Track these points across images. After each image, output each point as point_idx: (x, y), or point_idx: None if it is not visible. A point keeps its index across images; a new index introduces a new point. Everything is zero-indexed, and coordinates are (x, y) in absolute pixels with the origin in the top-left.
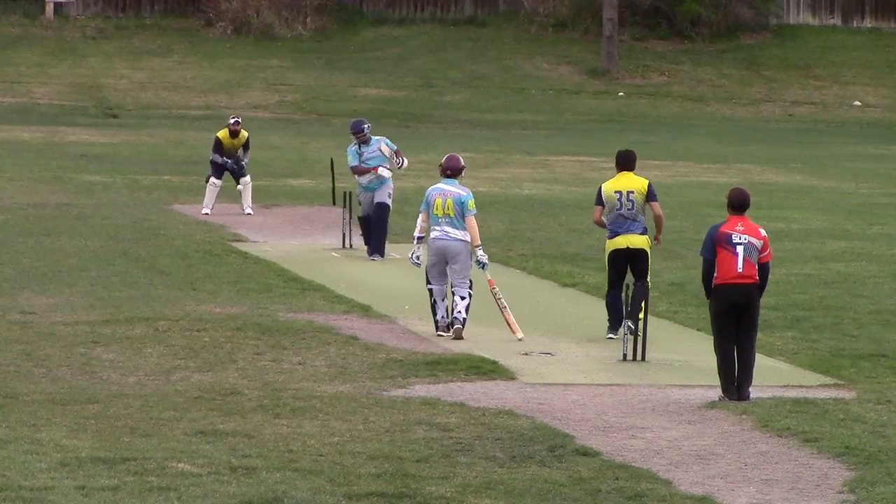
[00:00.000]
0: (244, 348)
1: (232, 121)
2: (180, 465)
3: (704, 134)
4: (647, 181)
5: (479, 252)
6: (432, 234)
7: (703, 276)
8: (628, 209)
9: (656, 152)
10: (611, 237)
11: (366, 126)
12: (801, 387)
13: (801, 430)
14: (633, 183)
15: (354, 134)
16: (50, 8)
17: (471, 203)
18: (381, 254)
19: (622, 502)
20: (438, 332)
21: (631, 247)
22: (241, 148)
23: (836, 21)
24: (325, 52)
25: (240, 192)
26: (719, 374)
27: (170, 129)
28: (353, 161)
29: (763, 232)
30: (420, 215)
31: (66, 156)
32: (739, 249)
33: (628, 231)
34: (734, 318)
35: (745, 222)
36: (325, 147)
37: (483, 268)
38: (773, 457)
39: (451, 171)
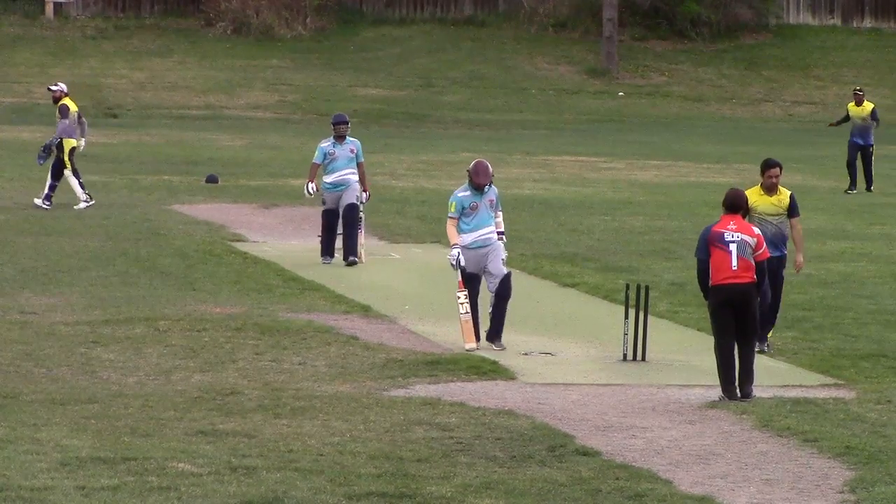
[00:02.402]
0: (244, 348)
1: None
2: (180, 465)
3: (704, 134)
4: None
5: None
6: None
7: (698, 278)
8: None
9: (656, 152)
10: None
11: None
12: (801, 387)
13: (802, 430)
14: None
15: (336, 126)
16: (50, 8)
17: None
18: (355, 254)
19: (622, 502)
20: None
21: None
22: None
23: (836, 21)
24: (324, 52)
25: None
26: (719, 373)
27: (170, 129)
28: (317, 159)
29: (756, 230)
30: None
31: None
32: (732, 247)
33: None
34: (732, 317)
35: (737, 221)
36: None
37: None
38: (773, 457)
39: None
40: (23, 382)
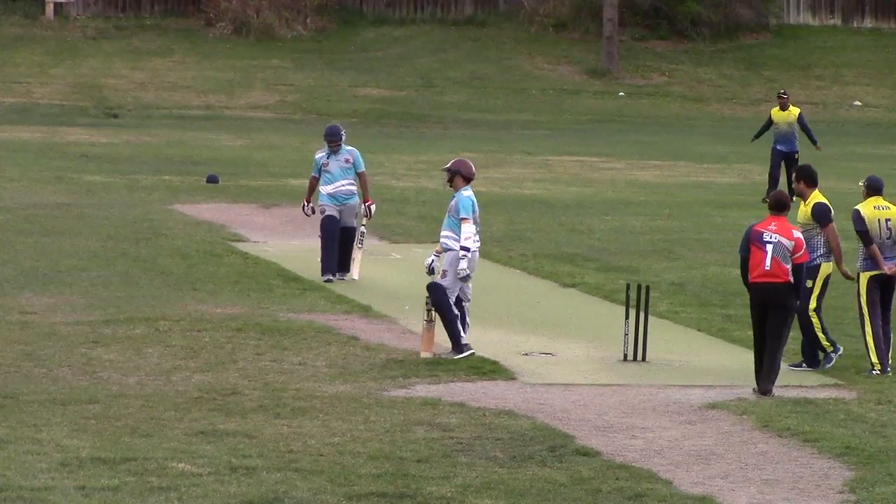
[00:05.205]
0: (245, 348)
1: None
2: (181, 466)
3: (704, 134)
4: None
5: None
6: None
7: (741, 272)
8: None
9: (656, 152)
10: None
11: (343, 133)
12: (801, 387)
13: (802, 431)
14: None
15: (329, 139)
16: (50, 8)
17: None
18: (347, 270)
19: (623, 502)
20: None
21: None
22: None
23: (836, 21)
24: (325, 52)
25: None
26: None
27: (170, 129)
28: (314, 171)
29: (797, 234)
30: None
31: (66, 156)
32: (769, 248)
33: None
34: (764, 314)
35: (780, 223)
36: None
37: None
38: (773, 457)
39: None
40: (23, 382)
